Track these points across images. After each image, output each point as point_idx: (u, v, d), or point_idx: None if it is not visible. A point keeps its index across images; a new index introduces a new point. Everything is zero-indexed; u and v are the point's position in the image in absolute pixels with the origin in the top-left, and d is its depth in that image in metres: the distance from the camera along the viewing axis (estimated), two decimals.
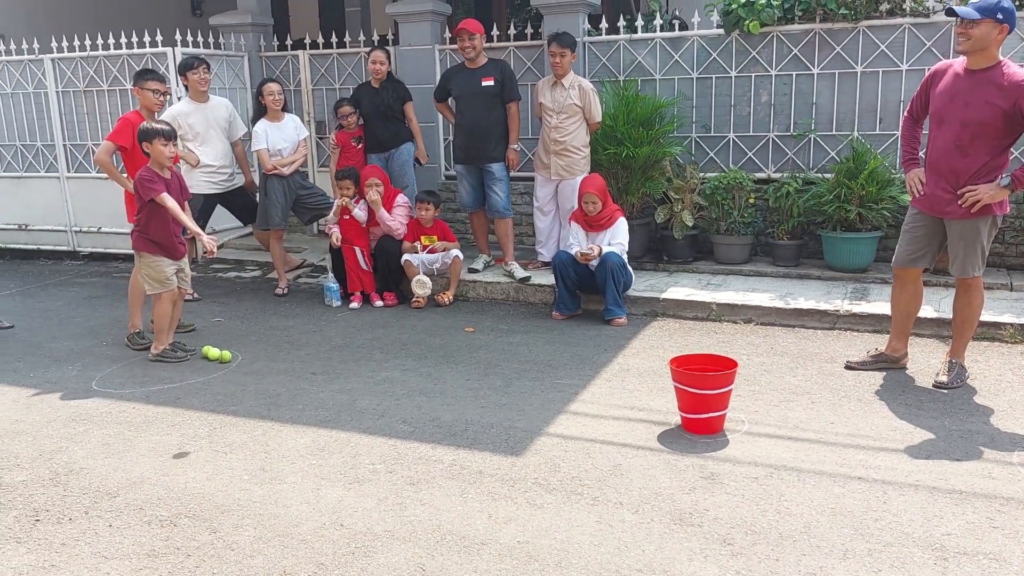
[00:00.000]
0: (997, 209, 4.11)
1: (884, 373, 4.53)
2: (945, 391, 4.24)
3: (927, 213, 4.29)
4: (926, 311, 5.08)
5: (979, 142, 4.02)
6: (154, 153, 4.96)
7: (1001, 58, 4.01)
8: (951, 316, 4.47)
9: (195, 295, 6.63)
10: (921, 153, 4.43)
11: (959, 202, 4.10)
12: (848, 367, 4.62)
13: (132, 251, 5.23)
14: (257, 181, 6.94)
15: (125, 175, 5.77)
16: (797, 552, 2.84)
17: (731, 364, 3.88)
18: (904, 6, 6.28)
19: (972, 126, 4.01)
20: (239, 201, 6.92)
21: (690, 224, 6.57)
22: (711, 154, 7.03)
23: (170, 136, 5.01)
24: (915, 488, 3.25)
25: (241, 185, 6.90)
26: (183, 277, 5.25)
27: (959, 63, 4.11)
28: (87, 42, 7.94)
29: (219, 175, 6.63)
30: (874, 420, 3.93)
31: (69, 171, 8.35)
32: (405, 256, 6.36)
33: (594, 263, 5.71)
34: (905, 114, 4.45)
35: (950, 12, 4.05)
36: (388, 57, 6.93)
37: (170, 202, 4.93)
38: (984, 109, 3.96)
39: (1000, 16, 3.87)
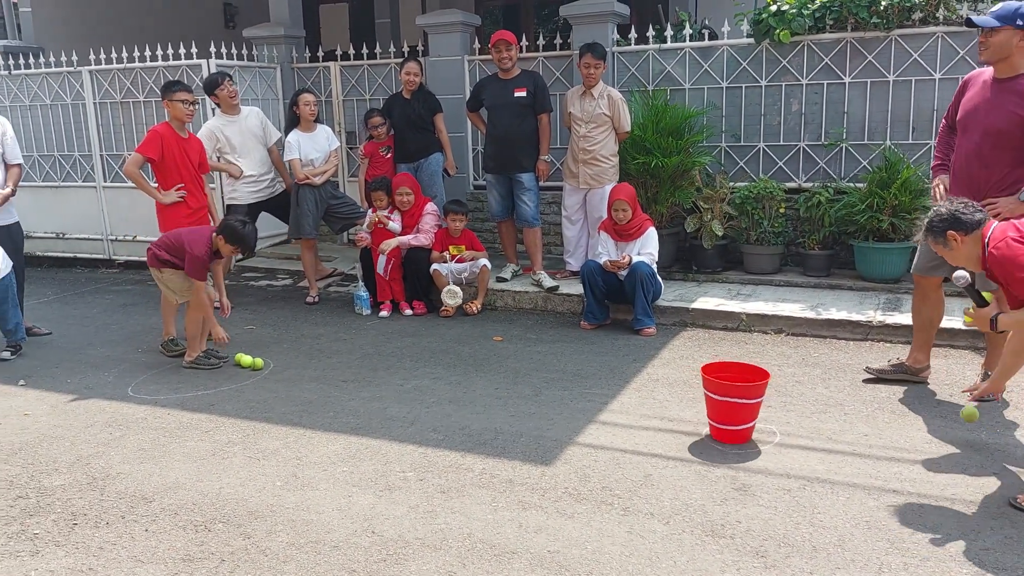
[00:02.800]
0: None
1: (919, 386, 4.48)
2: (986, 402, 4.17)
3: None
4: (952, 322, 5.01)
5: (1000, 152, 3.96)
6: (222, 246, 5.05)
7: None
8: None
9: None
10: None
11: None
12: (867, 371, 4.57)
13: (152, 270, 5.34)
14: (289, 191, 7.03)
15: (156, 185, 5.85)
16: (831, 565, 2.81)
17: (764, 374, 3.85)
18: (937, 15, 6.22)
19: (993, 135, 3.96)
20: (283, 205, 6.97)
21: (720, 234, 6.54)
22: (741, 163, 7.00)
23: (248, 252, 5.18)
24: (952, 502, 3.21)
25: (284, 190, 6.98)
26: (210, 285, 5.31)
27: (990, 72, 4.06)
28: (124, 54, 8.10)
29: (261, 183, 6.78)
30: (909, 432, 3.88)
31: (105, 181, 8.51)
32: (434, 265, 6.40)
33: (623, 272, 5.70)
34: (943, 120, 4.41)
35: (969, 22, 4.02)
36: (421, 68, 6.99)
37: (203, 297, 5.08)
38: (1005, 118, 3.91)
39: (1020, 23, 3.81)
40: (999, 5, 3.91)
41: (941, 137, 4.39)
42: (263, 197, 6.80)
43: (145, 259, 5.44)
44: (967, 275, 3.25)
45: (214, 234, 5.07)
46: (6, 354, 5.54)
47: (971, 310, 3.35)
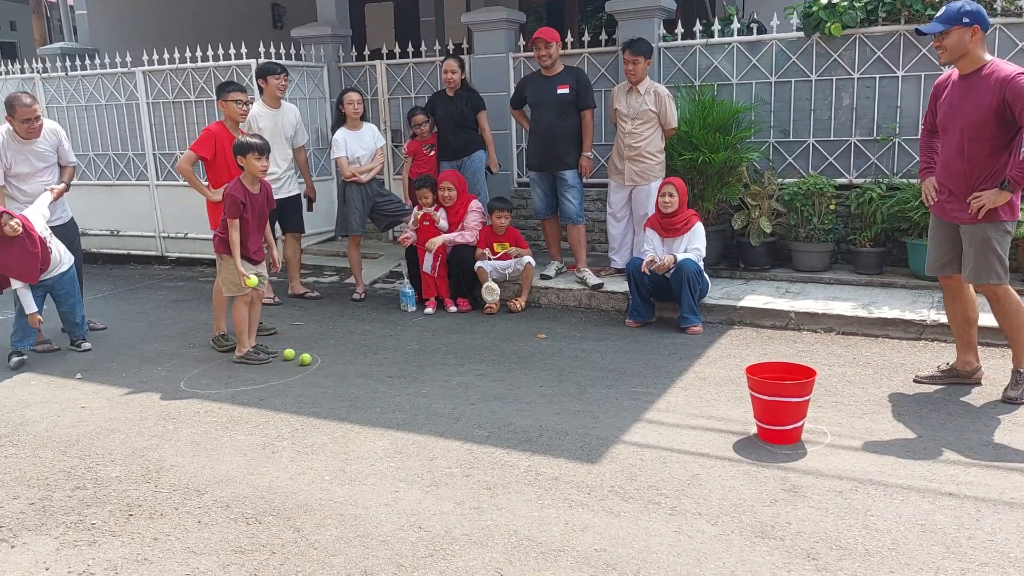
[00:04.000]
0: (1005, 214, 4.05)
1: (974, 386, 4.36)
2: (1017, 405, 4.06)
3: (943, 219, 4.29)
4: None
5: (977, 145, 4.02)
6: (248, 166, 5.13)
7: (989, 58, 4.01)
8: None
9: (275, 299, 6.82)
10: None
11: (967, 209, 4.08)
12: (917, 382, 4.47)
13: (215, 255, 5.42)
14: (335, 189, 7.08)
15: (207, 183, 5.96)
16: (885, 569, 2.75)
17: (809, 372, 3.79)
18: (995, 6, 6.04)
19: (969, 131, 4.03)
20: (290, 209, 6.88)
21: (768, 231, 6.44)
22: (790, 159, 6.89)
23: (264, 151, 5.17)
24: (1010, 506, 3.12)
25: (296, 194, 6.91)
26: (261, 281, 5.39)
27: (956, 71, 4.12)
28: (175, 55, 8.27)
29: (278, 182, 6.63)
30: (964, 434, 3.78)
31: (158, 179, 8.70)
32: (478, 263, 6.42)
33: (669, 272, 5.65)
34: (922, 127, 4.51)
35: (920, 33, 4.16)
36: (461, 65, 7.01)
37: (234, 234, 5.11)
38: (976, 112, 3.97)
39: (966, 20, 3.93)
40: (942, 9, 4.04)
41: (923, 142, 4.47)
42: (280, 196, 6.55)
43: (195, 256, 5.54)
44: None
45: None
46: (87, 345, 5.76)
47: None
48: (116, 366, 5.41)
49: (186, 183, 6.46)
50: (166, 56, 8.33)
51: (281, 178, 6.72)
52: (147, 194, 8.79)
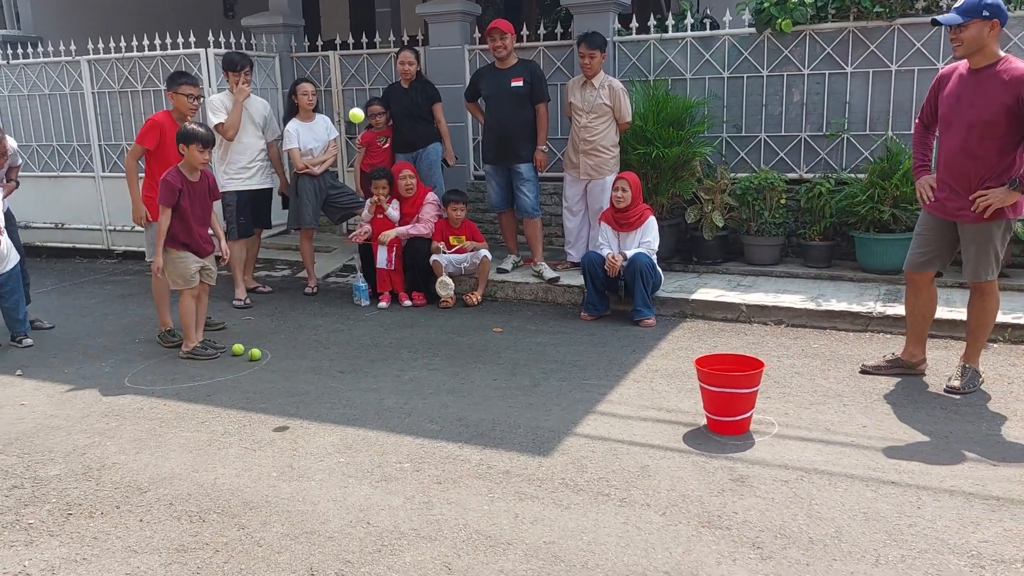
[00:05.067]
0: (1011, 212, 4.01)
1: (918, 377, 4.45)
2: (958, 396, 4.16)
3: (939, 217, 4.21)
4: (951, 314, 4.98)
5: (986, 143, 3.93)
6: (189, 156, 5.01)
7: (1002, 54, 3.93)
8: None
9: (269, 288, 6.94)
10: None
11: (972, 207, 4.01)
12: (863, 371, 4.54)
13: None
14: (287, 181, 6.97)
15: (143, 177, 5.77)
16: (828, 557, 2.79)
17: (757, 364, 3.83)
18: (941, 3, 6.17)
19: (979, 127, 3.93)
20: (259, 202, 6.78)
21: (720, 225, 6.51)
22: (742, 154, 6.96)
23: (208, 143, 5.06)
24: (950, 494, 3.19)
25: (268, 188, 6.81)
26: (208, 274, 5.29)
27: (964, 64, 4.03)
28: (122, 44, 8.07)
29: (248, 171, 6.56)
30: (908, 424, 3.86)
31: (104, 171, 8.49)
32: (433, 256, 6.38)
33: (623, 264, 5.68)
34: (916, 120, 4.39)
35: (936, 23, 4.01)
36: (417, 57, 6.95)
37: (164, 222, 5.01)
38: (988, 108, 3.88)
39: (987, 13, 3.80)
40: (961, 0, 3.89)
41: (917, 137, 4.36)
42: (253, 186, 6.59)
43: (142, 249, 5.42)
44: None
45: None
46: (29, 341, 5.61)
47: None
48: (58, 362, 5.27)
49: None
50: (112, 45, 8.12)
51: (249, 168, 6.57)
52: (93, 186, 8.56)
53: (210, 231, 5.32)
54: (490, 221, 7.63)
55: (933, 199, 4.20)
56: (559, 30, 7.43)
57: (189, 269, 5.15)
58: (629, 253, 5.68)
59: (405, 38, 8.07)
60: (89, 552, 3.00)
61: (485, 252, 6.43)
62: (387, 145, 6.96)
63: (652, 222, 5.85)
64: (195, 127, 5.10)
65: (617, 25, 7.22)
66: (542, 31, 7.54)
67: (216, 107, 6.40)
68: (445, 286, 6.26)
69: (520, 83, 6.34)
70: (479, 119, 6.84)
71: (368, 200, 6.56)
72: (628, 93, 6.46)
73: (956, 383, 4.21)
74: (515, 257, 6.86)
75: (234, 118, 6.32)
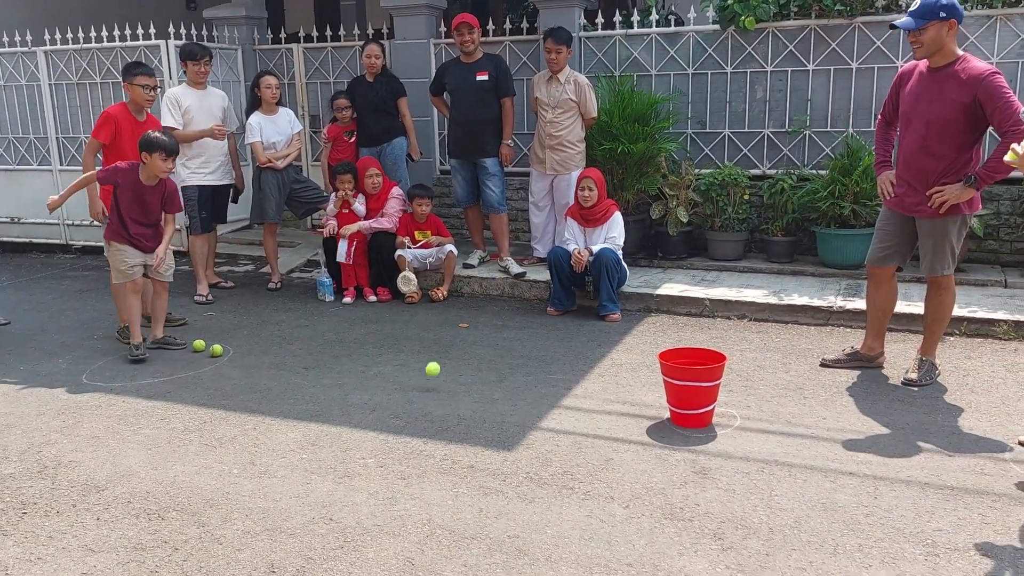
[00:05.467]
0: (966, 208, 4.09)
1: (876, 370, 4.53)
2: (915, 388, 4.24)
3: (898, 212, 4.28)
4: (909, 308, 5.07)
5: (944, 140, 4.00)
6: (151, 165, 4.91)
7: (960, 53, 4.00)
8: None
9: (231, 284, 6.87)
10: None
11: (928, 203, 4.08)
12: (823, 365, 4.61)
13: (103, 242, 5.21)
14: (250, 175, 6.88)
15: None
16: (788, 547, 2.83)
17: (720, 358, 3.87)
18: (900, 2, 6.27)
19: (936, 125, 4.00)
20: (218, 198, 6.65)
21: (685, 220, 6.56)
22: (706, 150, 7.02)
23: (172, 152, 4.96)
24: (906, 484, 3.25)
25: (227, 184, 6.67)
26: (161, 272, 5.18)
27: (924, 63, 4.10)
28: (80, 35, 7.90)
29: (211, 165, 6.46)
30: (866, 416, 3.92)
31: (62, 164, 8.32)
32: (399, 251, 6.34)
33: (588, 259, 5.69)
34: (879, 116, 4.46)
35: (893, 27, 4.06)
36: (383, 51, 6.90)
37: (87, 178, 5.06)
38: (946, 106, 3.95)
39: (943, 14, 3.86)
40: (917, 3, 3.94)
41: (879, 134, 4.43)
42: (214, 181, 6.48)
43: (101, 244, 5.30)
44: None
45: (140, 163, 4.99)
46: None
47: (1020, 149, 3.16)
48: (13, 359, 5.15)
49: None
50: (70, 36, 7.95)
51: (211, 163, 6.46)
52: (50, 179, 8.39)
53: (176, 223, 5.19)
54: (456, 216, 7.61)
55: (893, 195, 4.27)
56: (525, 25, 7.42)
57: (125, 262, 5.03)
58: (595, 248, 5.70)
59: (370, 31, 8.01)
60: (44, 551, 2.94)
61: (451, 247, 6.41)
62: (352, 140, 6.90)
63: (618, 217, 5.87)
64: (159, 136, 4.96)
65: (583, 21, 7.24)
66: (508, 26, 7.52)
67: (171, 104, 6.27)
68: (408, 281, 6.23)
69: (485, 77, 6.33)
70: (444, 113, 6.81)
71: (334, 195, 6.50)
72: (594, 88, 6.48)
73: (913, 376, 4.29)
74: (481, 252, 6.84)
75: (186, 138, 6.22)
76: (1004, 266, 6.16)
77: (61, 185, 8.31)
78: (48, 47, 8.08)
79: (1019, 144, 3.18)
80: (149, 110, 5.74)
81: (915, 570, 2.68)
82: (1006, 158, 3.26)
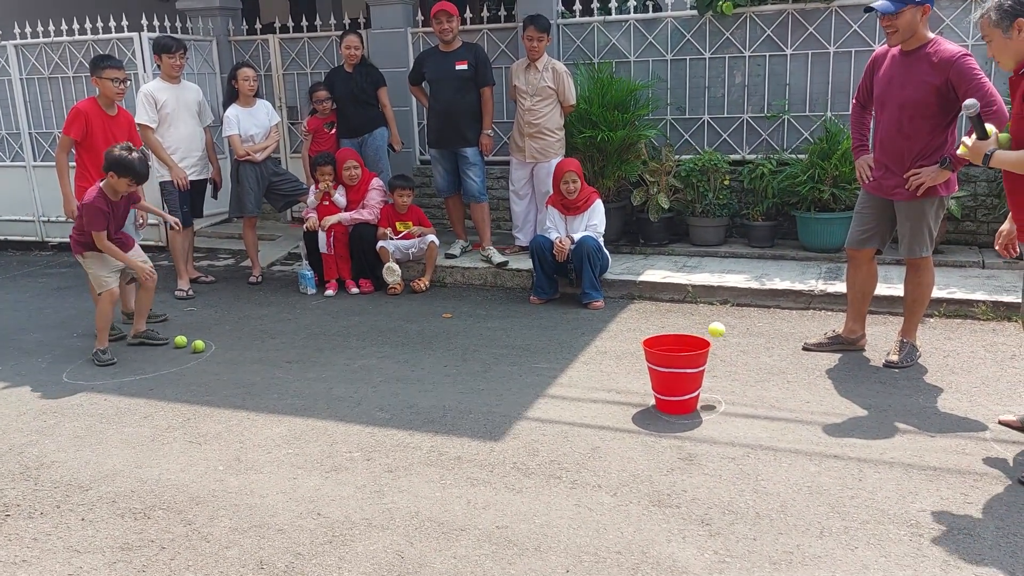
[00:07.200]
0: (943, 190, 4.13)
1: (858, 353, 4.57)
2: (897, 370, 4.28)
3: (877, 195, 4.32)
4: (889, 290, 5.12)
5: (917, 123, 4.03)
6: (117, 186, 4.78)
7: (932, 36, 4.03)
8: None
9: (212, 279, 6.81)
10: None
11: (905, 186, 4.12)
12: (805, 349, 4.65)
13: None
14: (228, 168, 6.81)
15: (74, 167, 5.57)
16: (774, 531, 2.86)
17: (704, 344, 3.89)
18: None
19: (909, 107, 4.03)
20: (195, 193, 6.54)
21: (666, 207, 6.57)
22: (686, 136, 7.02)
23: (141, 181, 4.83)
24: (890, 465, 3.28)
25: (204, 178, 6.59)
26: (142, 264, 5.10)
27: (897, 47, 4.12)
28: (51, 28, 7.77)
29: (189, 159, 6.37)
30: (849, 399, 3.96)
31: (35, 160, 8.19)
32: (380, 243, 6.31)
33: (570, 247, 5.69)
34: (853, 101, 4.48)
35: (869, 10, 4.09)
36: (362, 41, 6.84)
37: (105, 243, 4.81)
38: (919, 89, 3.98)
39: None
40: None
41: (855, 118, 4.46)
42: (193, 177, 6.38)
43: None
44: (977, 103, 3.19)
45: (102, 181, 4.84)
46: None
47: (969, 141, 3.21)
48: None
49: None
50: (40, 29, 7.82)
51: (189, 158, 6.38)
52: (24, 176, 8.26)
53: (152, 220, 5.11)
54: (437, 206, 7.58)
55: (871, 178, 4.31)
56: (503, 12, 7.38)
57: (101, 273, 4.94)
58: (576, 236, 5.70)
59: (346, 21, 7.93)
60: (29, 553, 2.91)
61: (432, 237, 6.38)
62: (333, 131, 6.85)
63: (599, 205, 5.87)
64: (132, 159, 4.72)
65: (561, 8, 7.21)
66: (486, 14, 7.47)
67: (147, 100, 6.18)
68: (392, 272, 6.21)
69: (465, 66, 6.29)
70: (423, 103, 6.77)
71: (314, 187, 6.45)
72: (572, 76, 6.46)
73: (894, 358, 4.34)
74: (463, 242, 6.83)
75: (156, 151, 6.19)
76: (981, 247, 6.22)
77: (36, 182, 8.20)
78: (18, 41, 7.94)
79: (969, 137, 3.22)
80: (120, 103, 5.65)
81: (900, 550, 2.71)
82: (958, 151, 3.31)
